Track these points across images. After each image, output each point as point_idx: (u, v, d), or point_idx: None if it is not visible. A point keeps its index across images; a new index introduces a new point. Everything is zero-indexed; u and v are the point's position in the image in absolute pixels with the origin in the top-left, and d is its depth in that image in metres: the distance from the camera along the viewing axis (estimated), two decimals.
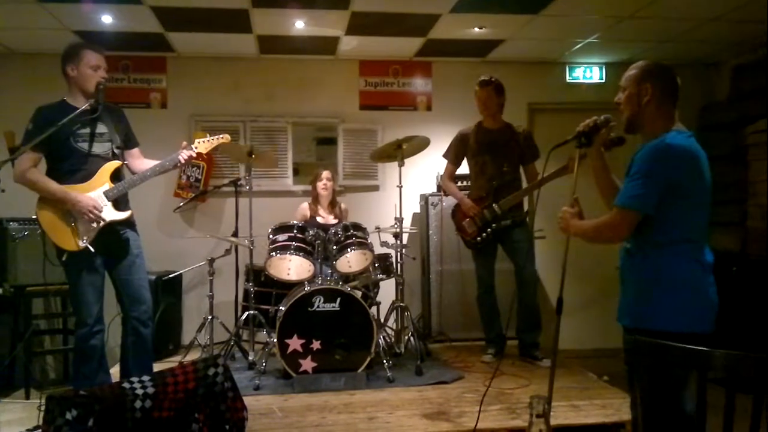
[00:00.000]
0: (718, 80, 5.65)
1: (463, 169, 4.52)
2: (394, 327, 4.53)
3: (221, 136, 3.57)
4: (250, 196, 4.23)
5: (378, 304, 4.55)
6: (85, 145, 3.17)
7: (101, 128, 3.22)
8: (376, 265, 4.25)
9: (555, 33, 4.80)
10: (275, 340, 3.78)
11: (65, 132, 3.09)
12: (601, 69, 5.66)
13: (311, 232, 4.09)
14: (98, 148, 3.20)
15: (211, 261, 4.30)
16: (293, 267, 4.03)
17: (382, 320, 4.48)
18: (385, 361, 3.89)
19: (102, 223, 3.15)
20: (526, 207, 4.47)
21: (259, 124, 5.34)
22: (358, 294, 3.92)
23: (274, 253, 4.00)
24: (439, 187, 5.14)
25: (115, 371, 3.55)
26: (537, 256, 4.56)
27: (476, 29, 4.65)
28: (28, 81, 4.88)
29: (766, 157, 4.71)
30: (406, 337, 4.41)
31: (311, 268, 4.05)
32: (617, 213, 2.20)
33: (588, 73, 5.66)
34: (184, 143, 3.43)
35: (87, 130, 3.17)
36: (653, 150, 2.15)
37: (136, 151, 3.45)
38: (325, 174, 4.73)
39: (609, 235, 2.26)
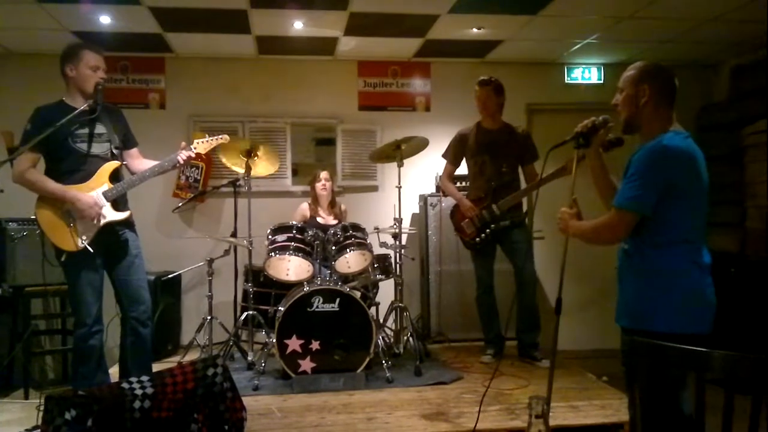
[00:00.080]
0: (717, 81, 5.66)
1: (462, 169, 4.52)
2: (393, 327, 4.53)
3: (220, 136, 3.57)
4: (249, 196, 4.23)
5: (377, 304, 4.55)
6: (83, 146, 3.16)
7: (100, 128, 3.22)
8: (375, 265, 4.25)
9: (554, 33, 4.80)
10: (274, 340, 3.78)
11: (64, 132, 3.09)
12: (599, 70, 5.67)
13: (310, 233, 4.09)
14: (97, 148, 3.20)
15: (210, 261, 4.30)
16: (292, 267, 4.03)
17: (381, 321, 4.48)
18: (384, 362, 3.89)
19: (102, 221, 3.15)
20: (525, 207, 4.48)
21: (257, 124, 5.34)
22: (357, 294, 3.92)
23: (273, 254, 4.00)
24: (438, 188, 5.14)
25: (114, 371, 3.55)
26: (536, 257, 4.57)
27: (475, 30, 4.65)
28: (26, 81, 4.87)
29: (766, 158, 4.71)
30: (405, 338, 4.41)
31: (310, 268, 4.05)
32: (615, 214, 2.20)
33: (586, 73, 5.67)
34: (183, 144, 3.43)
35: (86, 131, 3.17)
36: (650, 152, 2.15)
37: (135, 151, 3.44)
38: (323, 174, 4.73)
39: (607, 236, 2.27)
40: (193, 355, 4.31)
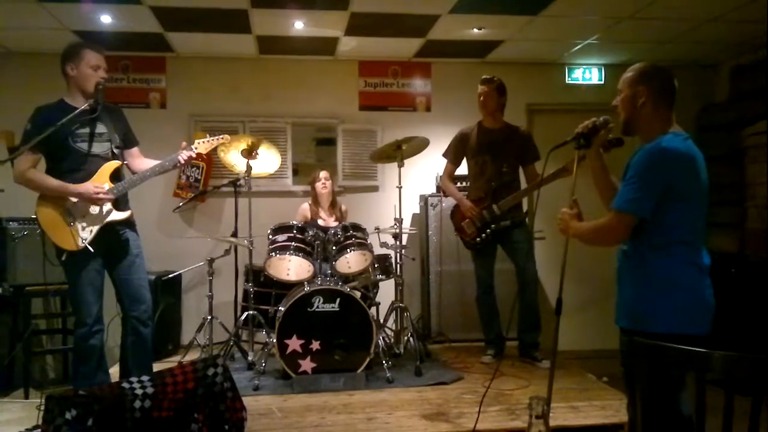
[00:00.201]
0: (717, 81, 5.66)
1: (463, 169, 4.52)
2: (394, 327, 4.53)
3: (221, 136, 3.57)
4: (250, 196, 4.24)
5: (377, 304, 4.55)
6: (84, 145, 3.16)
7: (100, 128, 3.22)
8: (376, 265, 4.25)
9: (554, 34, 4.80)
10: (274, 340, 3.78)
11: (64, 132, 3.09)
12: (600, 70, 5.67)
13: (311, 233, 4.10)
14: (97, 147, 3.20)
15: (211, 261, 4.30)
16: (293, 267, 4.04)
17: (382, 321, 4.48)
18: (384, 362, 3.89)
19: (108, 213, 3.15)
20: (525, 207, 4.48)
21: (258, 124, 5.34)
22: (358, 294, 3.92)
23: (273, 254, 4.00)
24: (438, 188, 5.15)
25: (114, 371, 3.56)
26: (536, 257, 4.56)
27: (475, 30, 4.65)
28: (27, 81, 4.88)
29: (766, 158, 4.71)
30: (406, 338, 4.41)
31: (311, 268, 4.05)
32: (614, 216, 2.20)
33: (587, 74, 5.67)
34: (184, 143, 3.43)
35: (86, 130, 3.17)
36: (649, 153, 2.15)
37: (135, 150, 3.44)
38: (323, 174, 4.73)
39: (606, 237, 2.27)
40: (193, 355, 4.31)
